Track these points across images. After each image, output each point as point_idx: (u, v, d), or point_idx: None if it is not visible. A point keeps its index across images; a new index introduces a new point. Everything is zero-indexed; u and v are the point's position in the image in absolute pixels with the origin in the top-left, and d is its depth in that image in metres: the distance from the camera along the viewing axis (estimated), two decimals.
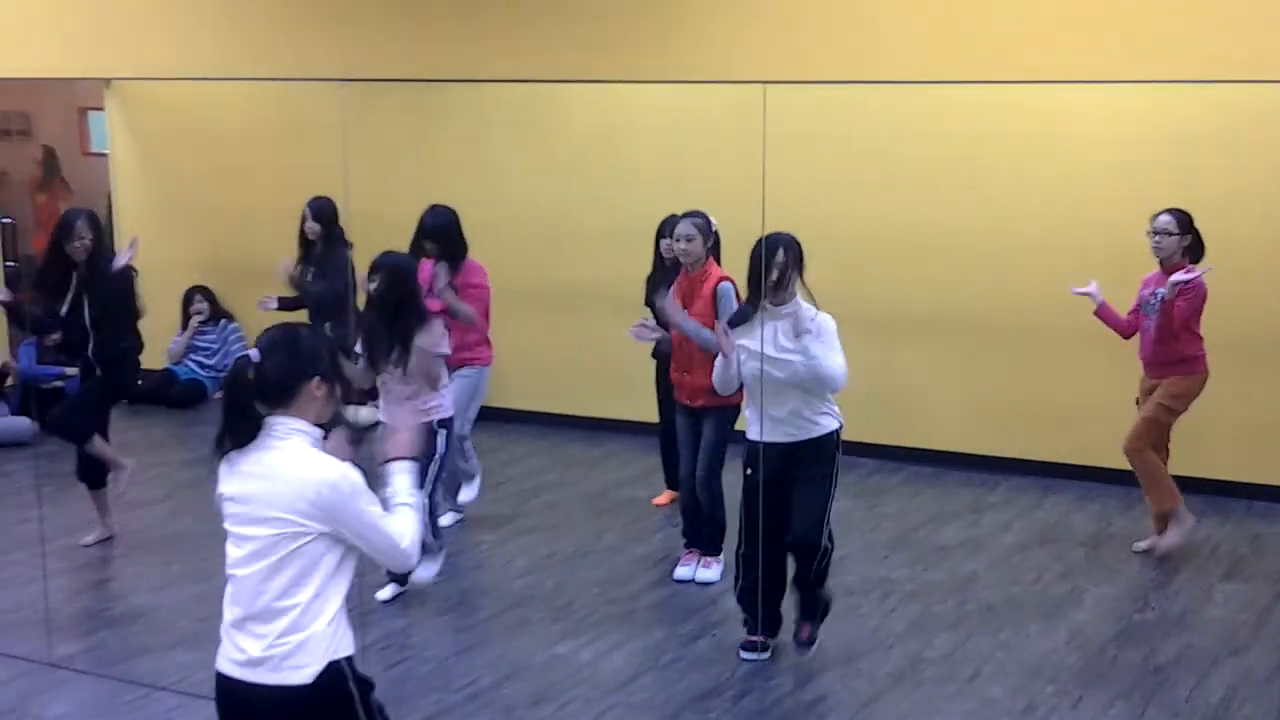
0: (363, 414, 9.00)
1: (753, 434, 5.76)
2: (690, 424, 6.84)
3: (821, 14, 8.60)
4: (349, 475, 3.39)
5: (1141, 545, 7.19)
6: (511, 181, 9.70)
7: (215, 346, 10.95)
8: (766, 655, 5.90)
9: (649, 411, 9.37)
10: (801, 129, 8.43)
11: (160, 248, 11.19)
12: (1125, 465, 7.43)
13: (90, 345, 7.21)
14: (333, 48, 9.98)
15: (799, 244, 5.75)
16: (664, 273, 7.34)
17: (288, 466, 3.39)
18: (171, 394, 10.51)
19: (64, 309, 7.17)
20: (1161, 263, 6.95)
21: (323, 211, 8.22)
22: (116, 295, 7.19)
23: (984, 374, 8.46)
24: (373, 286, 6.23)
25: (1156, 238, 6.93)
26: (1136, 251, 7.60)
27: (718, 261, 6.74)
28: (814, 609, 5.87)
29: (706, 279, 6.61)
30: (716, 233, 6.74)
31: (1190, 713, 5.42)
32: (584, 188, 9.62)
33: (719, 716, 5.46)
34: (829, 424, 5.74)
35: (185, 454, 9.37)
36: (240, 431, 3.45)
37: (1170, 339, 6.85)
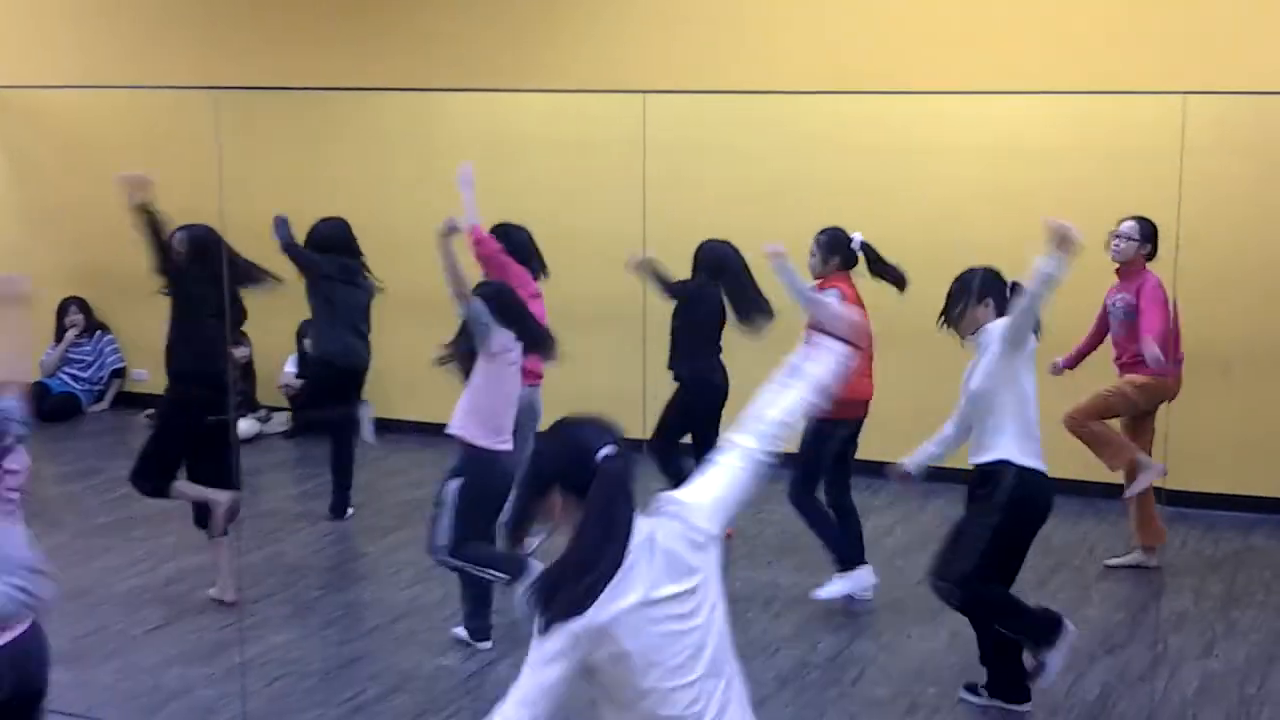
0: (242, 426, 8.86)
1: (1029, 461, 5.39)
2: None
3: (703, 25, 8.68)
4: None
5: (1114, 561, 7.21)
6: (393, 190, 9.61)
7: (90, 359, 10.72)
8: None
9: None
10: (683, 138, 8.47)
11: (33, 258, 10.92)
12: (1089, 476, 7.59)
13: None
14: (206, 56, 9.86)
15: (989, 274, 5.73)
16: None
17: None
18: (44, 407, 10.26)
19: None
20: (1119, 267, 6.96)
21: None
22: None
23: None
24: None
25: (1116, 240, 6.92)
26: (1022, 263, 7.74)
27: (875, 264, 6.76)
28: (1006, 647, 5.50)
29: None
30: (864, 245, 6.74)
31: (1068, 710, 5.53)
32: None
33: None
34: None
35: (59, 468, 9.14)
36: None
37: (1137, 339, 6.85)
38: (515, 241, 7.19)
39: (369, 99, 9.62)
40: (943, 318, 5.63)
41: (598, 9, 9.05)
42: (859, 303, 6.53)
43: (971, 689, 5.55)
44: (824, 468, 6.60)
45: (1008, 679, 5.43)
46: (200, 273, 6.32)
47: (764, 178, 8.73)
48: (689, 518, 2.97)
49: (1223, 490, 7.78)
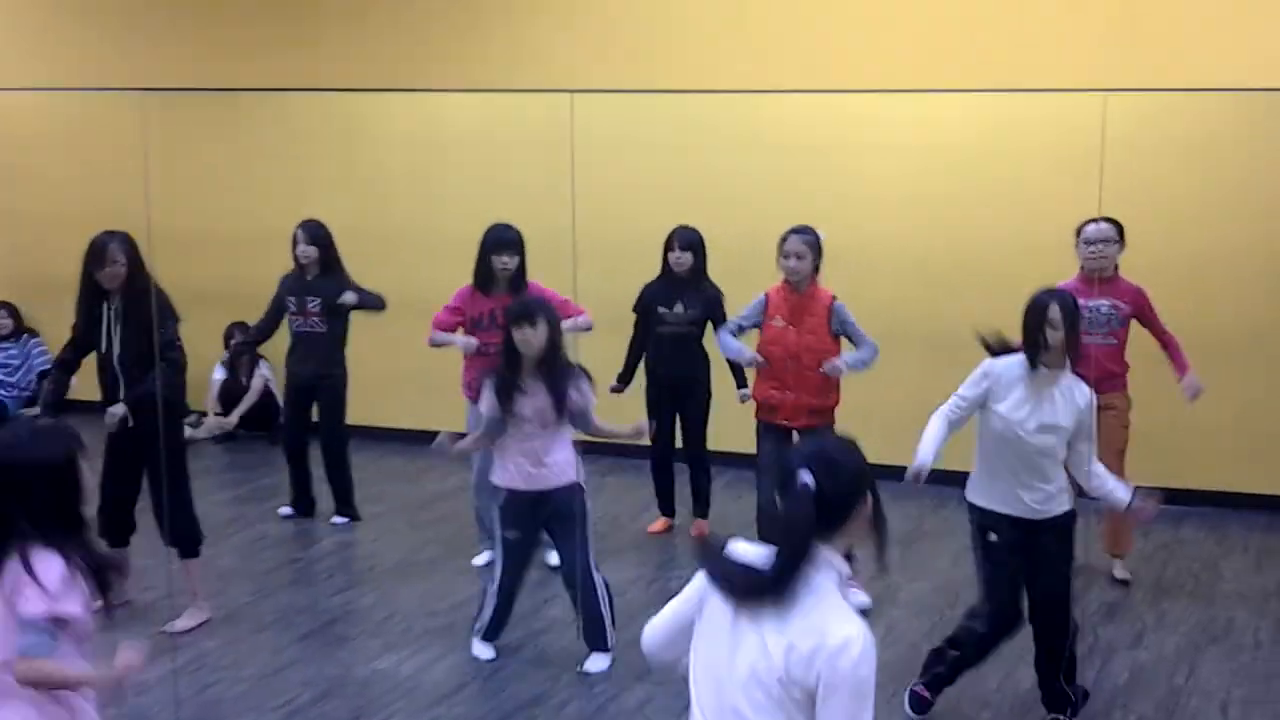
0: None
1: (990, 503, 5.30)
2: (778, 451, 6.44)
3: (630, 25, 8.68)
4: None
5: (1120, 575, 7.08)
6: (322, 192, 9.55)
7: (17, 363, 10.56)
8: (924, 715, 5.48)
9: (466, 422, 9.35)
10: (611, 136, 8.48)
11: None
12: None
13: (121, 389, 6.26)
14: (133, 58, 9.75)
15: (1075, 303, 5.22)
16: (665, 281, 7.42)
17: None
18: None
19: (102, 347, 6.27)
20: (1091, 273, 6.64)
21: (317, 235, 7.77)
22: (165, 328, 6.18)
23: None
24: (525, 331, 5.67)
25: (1098, 246, 6.60)
26: (967, 258, 7.83)
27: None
28: (1062, 703, 5.39)
29: (815, 298, 6.52)
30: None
31: (1000, 702, 5.57)
32: (397, 197, 9.53)
33: None
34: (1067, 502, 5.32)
35: None
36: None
37: (1120, 355, 6.77)
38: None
39: (296, 100, 9.56)
40: (1043, 349, 5.13)
41: (524, 10, 9.03)
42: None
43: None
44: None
45: (1076, 695, 5.40)
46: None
47: (692, 176, 8.76)
48: None
49: (1151, 483, 7.85)
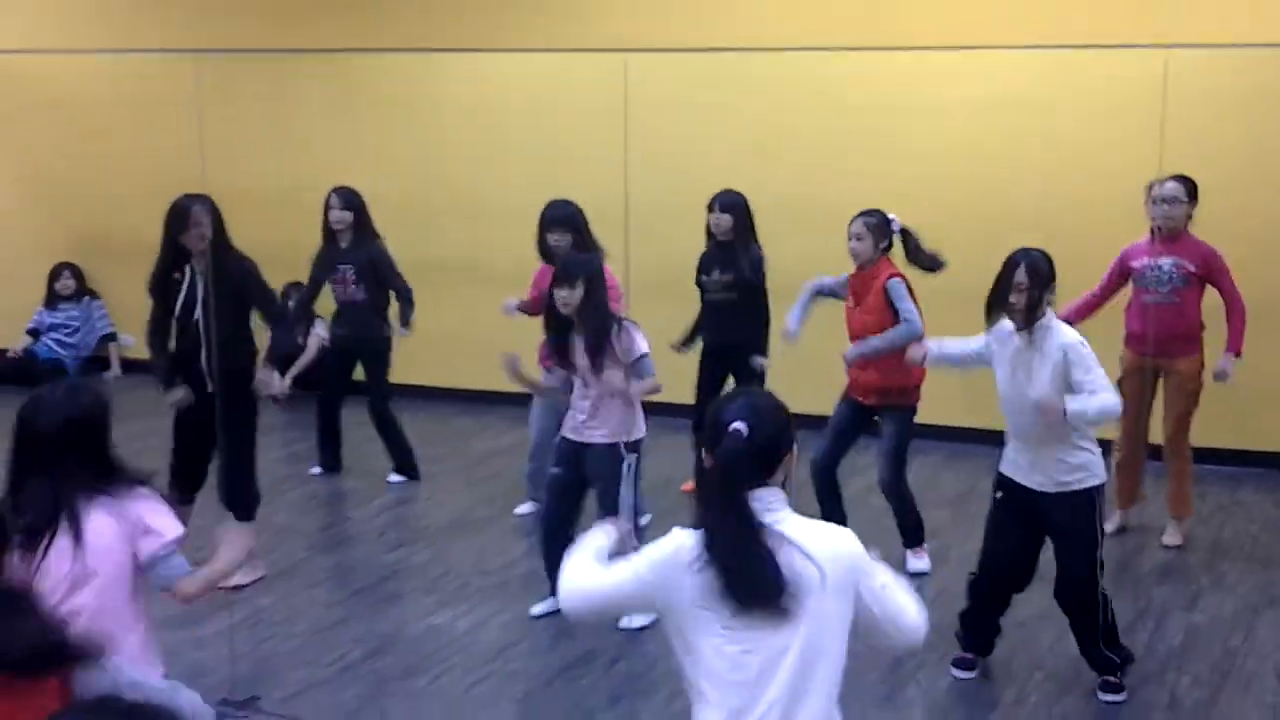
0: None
1: (1005, 469, 5.31)
2: (851, 417, 6.59)
3: None
4: None
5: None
6: (377, 155, 9.58)
7: (77, 324, 10.69)
8: (974, 674, 5.46)
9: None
10: (665, 97, 8.43)
11: (22, 224, 10.92)
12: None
13: (204, 353, 6.27)
14: (190, 21, 9.80)
15: (1047, 261, 5.15)
16: (712, 248, 7.33)
17: None
18: (31, 373, 10.24)
19: (176, 311, 6.29)
20: (1160, 231, 6.52)
21: (351, 201, 7.74)
22: (239, 296, 6.21)
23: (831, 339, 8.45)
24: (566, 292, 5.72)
25: (1165, 206, 6.49)
26: (1023, 217, 7.76)
27: (913, 251, 6.53)
28: (1108, 666, 5.35)
29: (877, 276, 6.44)
30: (903, 230, 6.51)
31: (1053, 664, 5.54)
32: (451, 160, 9.54)
33: (593, 683, 5.48)
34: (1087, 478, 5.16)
35: None
36: None
37: (1186, 317, 6.65)
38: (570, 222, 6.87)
39: (351, 62, 9.58)
40: (1001, 302, 5.12)
41: None
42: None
43: (1111, 688, 5.31)
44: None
45: (1122, 656, 5.38)
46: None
47: (747, 137, 8.71)
48: None
49: (1211, 444, 7.76)
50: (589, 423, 5.84)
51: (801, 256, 7.50)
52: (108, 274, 10.76)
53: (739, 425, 2.98)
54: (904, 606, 3.14)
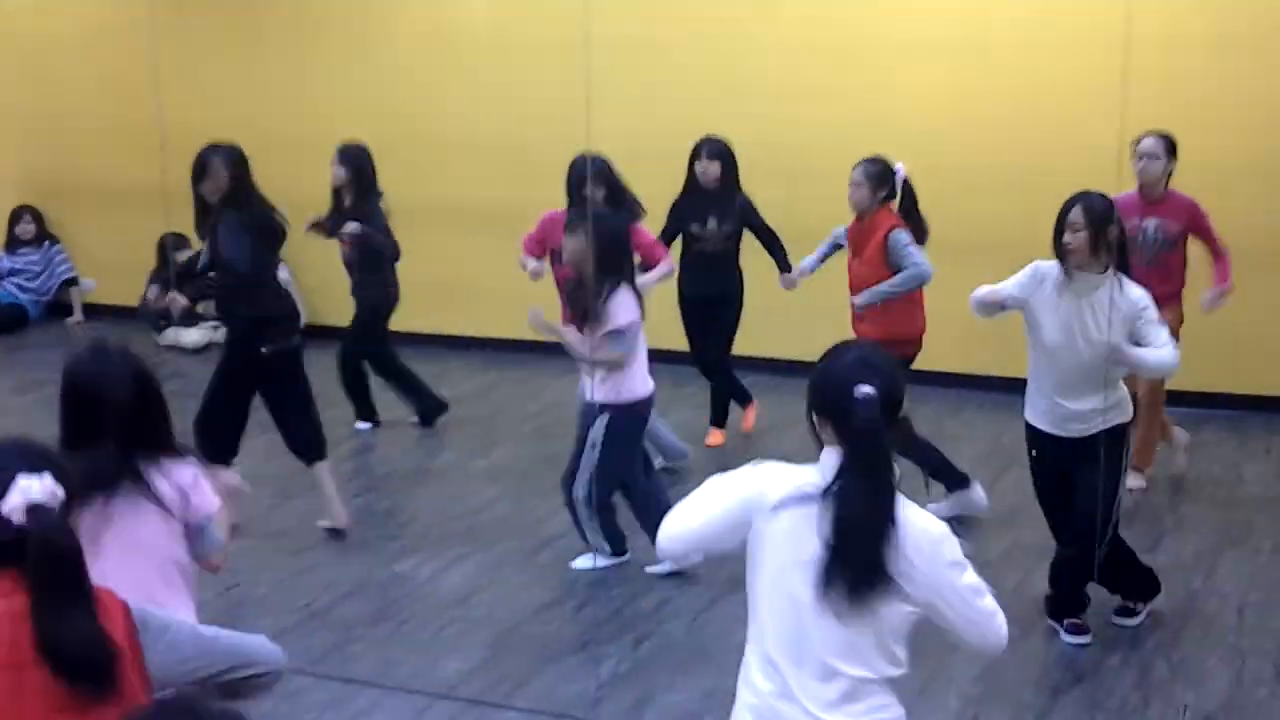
0: (194, 335, 8.70)
1: (1040, 422, 5.30)
2: None
3: None
4: None
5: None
6: (336, 90, 9.45)
7: (39, 269, 10.58)
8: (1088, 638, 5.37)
9: (489, 327, 9.33)
10: (628, 36, 8.34)
11: None
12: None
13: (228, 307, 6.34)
14: None
15: (1105, 201, 5.10)
16: (695, 196, 7.26)
17: None
18: None
19: (200, 263, 6.33)
20: (1143, 187, 6.58)
21: (347, 158, 7.51)
22: (254, 248, 6.08)
23: (838, 286, 8.43)
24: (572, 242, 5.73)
25: (1142, 161, 6.54)
26: (985, 162, 7.73)
27: (907, 208, 6.47)
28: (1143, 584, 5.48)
29: (876, 227, 6.39)
30: (905, 181, 6.45)
31: (1014, 606, 5.57)
32: (411, 99, 9.42)
33: (560, 627, 5.50)
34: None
35: (7, 380, 9.08)
36: None
37: (1169, 275, 6.63)
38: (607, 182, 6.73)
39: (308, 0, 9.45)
40: (1068, 244, 5.04)
41: None
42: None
43: (1126, 611, 5.45)
44: None
45: (1148, 583, 5.48)
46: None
47: (711, 79, 8.62)
48: None
49: (1173, 387, 7.81)
50: (589, 381, 5.85)
51: (767, 202, 7.46)
52: (68, 217, 10.64)
53: (867, 390, 2.83)
54: (985, 613, 2.95)
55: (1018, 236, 7.58)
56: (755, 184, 7.40)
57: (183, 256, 9.53)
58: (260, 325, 6.11)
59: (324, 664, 5.18)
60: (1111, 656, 5.21)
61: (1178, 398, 7.80)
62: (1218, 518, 6.58)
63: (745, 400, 7.73)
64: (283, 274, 9.66)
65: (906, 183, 6.45)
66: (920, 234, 6.45)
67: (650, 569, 5.88)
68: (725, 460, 7.36)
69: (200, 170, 6.04)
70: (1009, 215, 7.91)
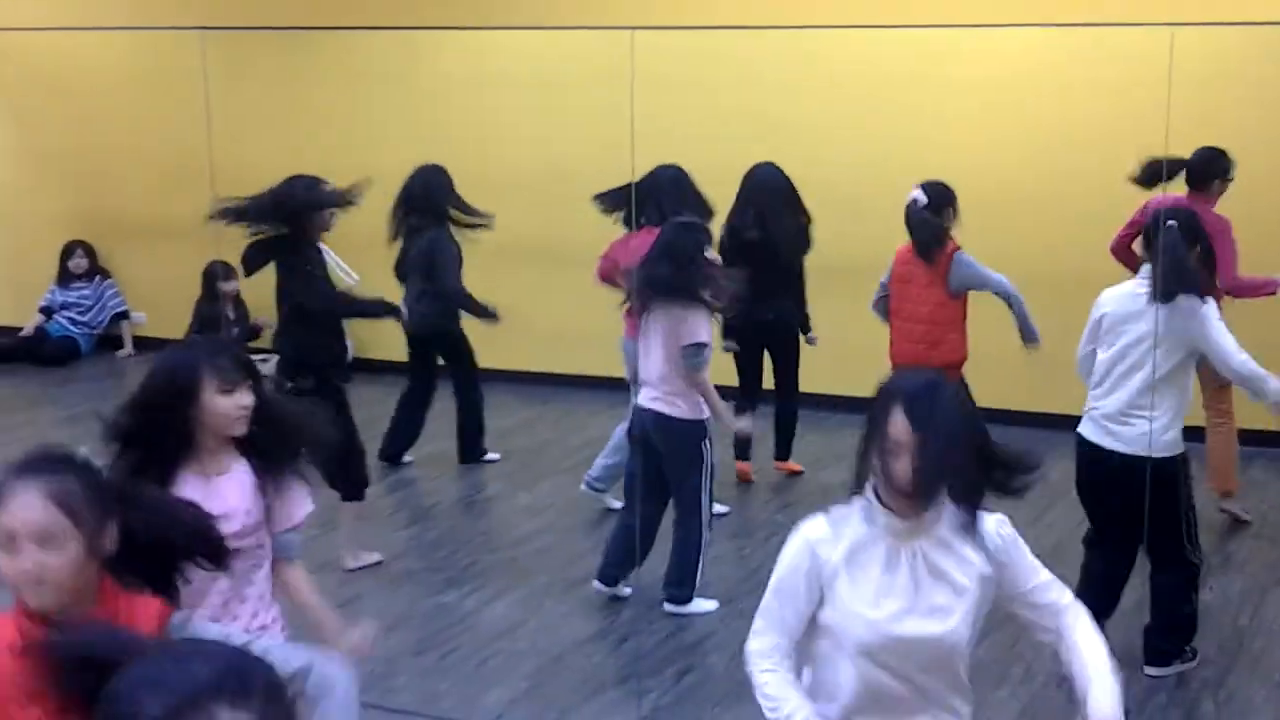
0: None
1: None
2: None
3: None
4: None
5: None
6: (382, 132, 9.56)
7: (90, 303, 10.72)
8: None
9: (532, 361, 9.39)
10: (671, 75, 8.40)
11: (34, 202, 10.94)
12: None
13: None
14: None
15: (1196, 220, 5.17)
16: None
17: None
18: (43, 351, 10.30)
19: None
20: None
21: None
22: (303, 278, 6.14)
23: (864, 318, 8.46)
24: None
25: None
26: (1027, 198, 7.72)
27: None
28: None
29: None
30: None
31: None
32: (456, 137, 9.50)
33: (602, 660, 5.51)
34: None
35: (59, 411, 9.18)
36: None
37: None
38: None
39: (356, 38, 9.55)
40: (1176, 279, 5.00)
41: None
42: None
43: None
44: None
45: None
46: None
47: (754, 115, 8.66)
48: None
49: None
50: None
51: (813, 236, 7.49)
52: (119, 252, 10.78)
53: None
54: None
55: (1063, 271, 7.63)
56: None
57: (230, 286, 9.73)
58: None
59: (368, 694, 5.17)
60: (1158, 695, 5.17)
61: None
62: (1265, 555, 6.54)
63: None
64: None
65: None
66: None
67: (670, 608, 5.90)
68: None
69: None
70: (1050, 251, 7.90)
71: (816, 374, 7.95)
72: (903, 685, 2.97)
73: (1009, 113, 8.26)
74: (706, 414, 5.77)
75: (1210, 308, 5.06)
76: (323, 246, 6.24)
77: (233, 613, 3.55)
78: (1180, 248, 5.04)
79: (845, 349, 7.86)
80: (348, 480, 6.32)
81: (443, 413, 7.99)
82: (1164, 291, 4.95)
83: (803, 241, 7.31)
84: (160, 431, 3.35)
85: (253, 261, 6.20)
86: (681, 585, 5.86)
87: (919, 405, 2.83)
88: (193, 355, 3.43)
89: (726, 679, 5.30)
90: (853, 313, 7.20)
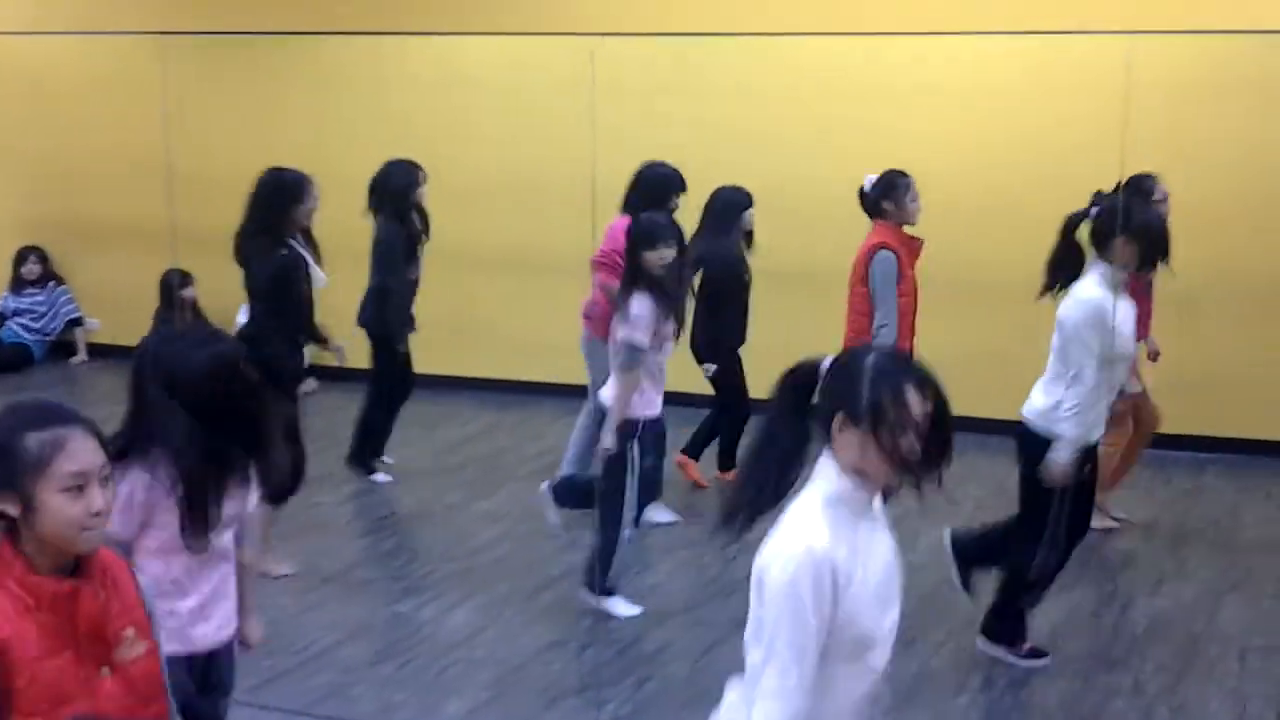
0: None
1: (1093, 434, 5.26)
2: None
3: None
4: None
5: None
6: (346, 139, 9.51)
7: (44, 310, 10.61)
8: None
9: (492, 368, 9.37)
10: (633, 83, 8.40)
11: None
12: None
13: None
14: (159, 3, 9.71)
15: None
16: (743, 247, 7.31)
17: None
18: None
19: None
20: None
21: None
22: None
23: (831, 327, 8.45)
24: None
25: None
26: (984, 205, 7.76)
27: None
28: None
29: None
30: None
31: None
32: (420, 143, 9.46)
33: (563, 668, 5.49)
34: None
35: None
36: None
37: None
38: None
39: (320, 44, 9.51)
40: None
41: None
42: None
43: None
44: None
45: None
46: None
47: (715, 124, 8.67)
48: None
49: (1175, 431, 7.83)
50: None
51: (778, 246, 7.51)
52: (74, 257, 10.68)
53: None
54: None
55: (1021, 277, 7.63)
56: (765, 228, 7.42)
57: (188, 294, 9.67)
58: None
59: (325, 705, 5.17)
60: (1115, 701, 5.20)
61: (1178, 442, 7.82)
62: (1219, 562, 6.58)
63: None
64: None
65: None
66: None
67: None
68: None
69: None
70: (1013, 257, 7.92)
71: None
72: (882, 685, 2.85)
73: (968, 121, 8.30)
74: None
75: (1087, 289, 5.13)
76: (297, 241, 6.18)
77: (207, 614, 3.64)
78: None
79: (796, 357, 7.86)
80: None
81: (408, 417, 7.94)
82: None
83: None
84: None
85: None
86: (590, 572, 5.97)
87: (929, 379, 2.73)
88: None
89: (686, 687, 5.30)
90: (812, 321, 7.20)
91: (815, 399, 2.78)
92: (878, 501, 2.85)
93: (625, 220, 6.35)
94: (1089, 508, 5.49)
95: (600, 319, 6.56)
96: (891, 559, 2.83)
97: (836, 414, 2.71)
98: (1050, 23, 7.66)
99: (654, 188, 6.79)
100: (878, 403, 2.65)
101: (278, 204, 6.15)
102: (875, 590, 2.73)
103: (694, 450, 7.55)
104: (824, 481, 2.74)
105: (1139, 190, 6.10)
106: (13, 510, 2.55)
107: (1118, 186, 5.95)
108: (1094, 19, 7.60)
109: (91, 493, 2.57)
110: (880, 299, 6.34)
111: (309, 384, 6.32)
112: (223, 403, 3.46)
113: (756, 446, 2.83)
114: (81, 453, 2.57)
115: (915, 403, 2.68)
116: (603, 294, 6.58)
